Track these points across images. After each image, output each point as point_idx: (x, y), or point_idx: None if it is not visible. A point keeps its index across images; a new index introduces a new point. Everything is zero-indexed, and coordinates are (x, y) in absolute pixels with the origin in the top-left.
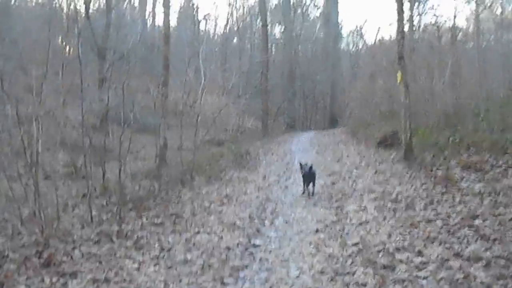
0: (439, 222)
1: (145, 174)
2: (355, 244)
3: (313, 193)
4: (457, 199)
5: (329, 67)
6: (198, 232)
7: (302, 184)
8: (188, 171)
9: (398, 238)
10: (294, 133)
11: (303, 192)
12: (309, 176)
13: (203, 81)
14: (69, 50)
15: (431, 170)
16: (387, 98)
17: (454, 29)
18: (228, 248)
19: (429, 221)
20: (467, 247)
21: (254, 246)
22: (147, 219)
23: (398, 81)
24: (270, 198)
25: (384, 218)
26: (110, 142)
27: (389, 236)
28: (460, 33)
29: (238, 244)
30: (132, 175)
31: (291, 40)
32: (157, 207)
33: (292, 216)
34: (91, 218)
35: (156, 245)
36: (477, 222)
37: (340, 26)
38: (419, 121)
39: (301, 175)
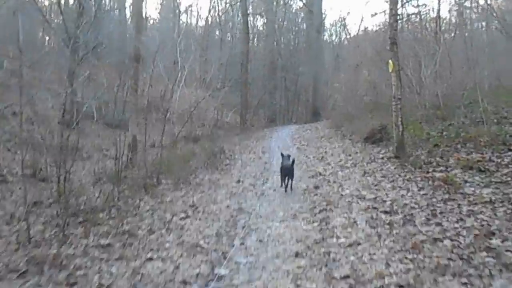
0: (447, 243)
1: (111, 175)
2: (345, 278)
3: (291, 188)
4: (464, 209)
5: (312, 58)
6: (151, 259)
7: (280, 181)
8: (155, 174)
9: (399, 269)
10: (274, 127)
11: (281, 185)
12: (287, 171)
13: (179, 73)
14: (46, 41)
15: (428, 171)
16: (371, 89)
17: (438, 19)
18: (185, 283)
19: (434, 241)
20: (491, 284)
21: (218, 278)
22: (94, 238)
23: (390, 70)
24: (243, 207)
25: (379, 237)
26: (78, 140)
27: (387, 264)
28: (444, 23)
29: (197, 275)
30: (96, 177)
31: (273, 31)
32: (112, 220)
33: (268, 233)
34: (29, 237)
35: (95, 279)
36: (494, 242)
37: (323, 16)
38: (406, 114)
39: (279, 168)
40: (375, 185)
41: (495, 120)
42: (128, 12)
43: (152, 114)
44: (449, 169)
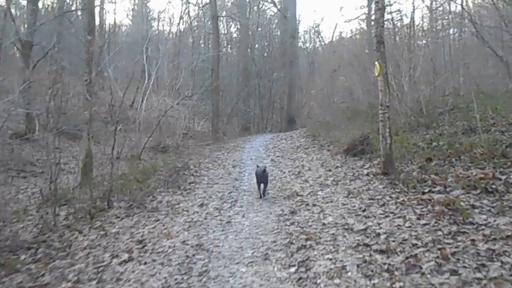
0: None
1: (62, 195)
2: None
3: (264, 194)
4: (482, 248)
5: (287, 65)
6: None
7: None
8: (107, 195)
9: None
10: (248, 137)
11: (259, 189)
12: (262, 178)
13: (146, 80)
14: None
15: (423, 192)
16: (348, 96)
17: (412, 25)
18: None
19: None
20: None
21: None
22: None
23: (377, 73)
24: (204, 243)
25: None
26: (31, 154)
27: None
28: (417, 29)
29: None
30: (45, 198)
31: (246, 37)
32: (35, 264)
33: (231, 284)
34: None
35: None
36: None
37: (297, 21)
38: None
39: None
40: (363, 211)
41: (483, 128)
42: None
43: (117, 124)
44: (448, 189)
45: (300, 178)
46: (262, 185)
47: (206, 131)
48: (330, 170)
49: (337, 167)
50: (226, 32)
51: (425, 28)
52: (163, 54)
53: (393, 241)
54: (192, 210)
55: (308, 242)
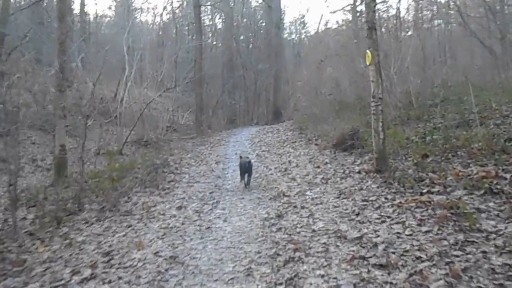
0: None
1: (33, 196)
2: None
3: (248, 183)
4: (497, 263)
5: (272, 56)
6: None
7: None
8: (78, 196)
9: None
10: (234, 130)
11: (241, 181)
12: (246, 169)
13: (127, 71)
14: None
15: (422, 193)
16: (336, 87)
17: (398, 16)
18: None
19: None
20: None
21: None
22: None
23: (368, 63)
24: (179, 254)
25: None
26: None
27: None
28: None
29: None
30: (16, 199)
31: (230, 27)
32: None
33: None
34: None
35: None
36: None
37: (283, 12)
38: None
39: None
40: (357, 214)
41: (478, 120)
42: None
43: (99, 117)
44: (448, 189)
45: (287, 175)
46: (246, 176)
47: (191, 124)
48: (319, 167)
49: (326, 163)
50: (210, 23)
51: (410, 19)
52: (144, 45)
53: (393, 253)
54: (169, 214)
55: (297, 254)
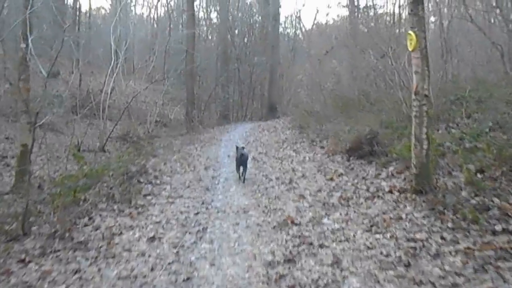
0: None
1: None
2: None
3: (244, 178)
4: None
5: (268, 49)
6: None
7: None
8: (24, 215)
9: None
10: (227, 126)
11: (237, 172)
12: (241, 161)
13: (113, 62)
14: None
15: (494, 232)
16: (337, 83)
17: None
18: None
19: None
20: None
21: None
22: None
23: (411, 48)
24: None
25: None
26: None
27: None
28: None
29: None
30: None
31: (226, 19)
32: None
33: None
34: None
35: None
36: None
37: (279, 5)
38: (391, 115)
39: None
40: (406, 266)
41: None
42: None
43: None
44: None
45: (293, 191)
46: (241, 168)
47: (182, 118)
48: (332, 179)
49: (341, 174)
50: (206, 17)
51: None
52: (135, 36)
53: None
54: (137, 249)
55: None
